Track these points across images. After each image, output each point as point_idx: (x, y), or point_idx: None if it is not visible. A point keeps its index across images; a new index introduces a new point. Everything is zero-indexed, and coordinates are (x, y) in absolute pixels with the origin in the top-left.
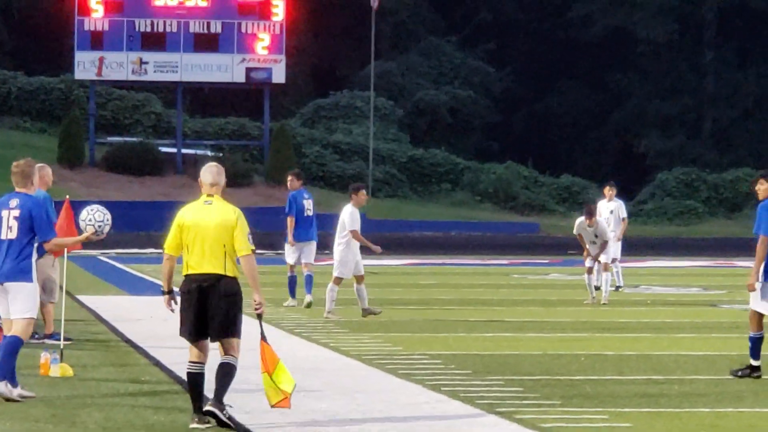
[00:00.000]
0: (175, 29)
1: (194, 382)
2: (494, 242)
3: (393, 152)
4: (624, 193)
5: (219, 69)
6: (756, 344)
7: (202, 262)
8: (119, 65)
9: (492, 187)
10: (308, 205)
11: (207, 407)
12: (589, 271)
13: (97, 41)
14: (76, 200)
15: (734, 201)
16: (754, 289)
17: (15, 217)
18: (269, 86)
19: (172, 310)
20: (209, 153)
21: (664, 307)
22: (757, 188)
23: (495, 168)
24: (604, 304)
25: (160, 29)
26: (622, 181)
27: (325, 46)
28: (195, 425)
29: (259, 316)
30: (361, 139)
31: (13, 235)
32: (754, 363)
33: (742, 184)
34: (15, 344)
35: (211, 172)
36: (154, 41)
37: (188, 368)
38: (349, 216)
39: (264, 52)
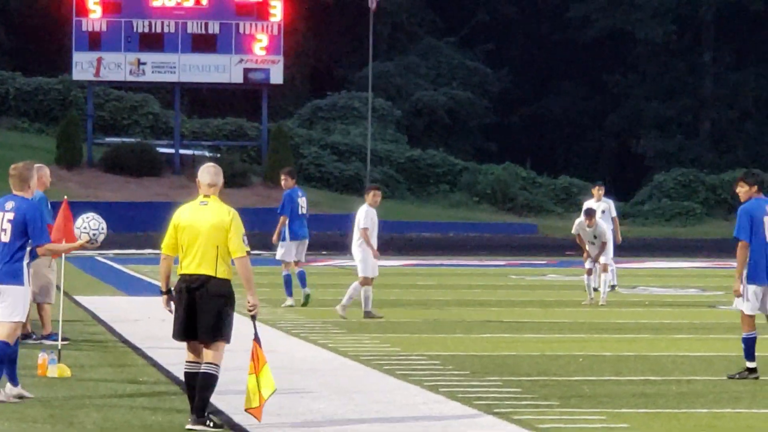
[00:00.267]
0: (173, 30)
1: (191, 382)
2: (492, 243)
3: (391, 153)
4: (622, 194)
5: (217, 70)
6: (749, 345)
7: (195, 263)
8: (117, 66)
9: (490, 187)
10: (303, 203)
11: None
12: (589, 272)
13: (95, 42)
14: (74, 201)
15: (732, 202)
16: (740, 295)
17: (9, 220)
18: (267, 87)
19: (170, 311)
20: (207, 153)
21: (661, 308)
22: (738, 190)
23: (493, 169)
24: (602, 305)
25: (158, 30)
26: (620, 182)
27: (323, 46)
28: (192, 426)
29: (253, 318)
30: (359, 139)
31: (6, 238)
32: (750, 365)
33: None
34: (1, 349)
35: (209, 173)
36: (152, 42)
37: (185, 368)
38: (363, 215)
39: (262, 52)
